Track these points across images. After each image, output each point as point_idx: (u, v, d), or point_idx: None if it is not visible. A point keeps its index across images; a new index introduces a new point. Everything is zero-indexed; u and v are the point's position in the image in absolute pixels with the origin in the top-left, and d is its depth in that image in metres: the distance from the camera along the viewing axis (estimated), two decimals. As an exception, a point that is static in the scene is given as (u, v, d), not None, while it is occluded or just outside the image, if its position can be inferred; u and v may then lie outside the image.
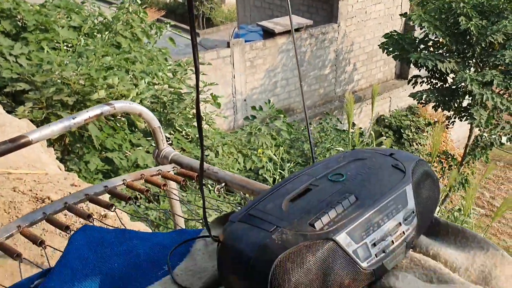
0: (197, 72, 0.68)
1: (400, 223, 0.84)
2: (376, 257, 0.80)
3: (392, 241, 0.83)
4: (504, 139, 8.50)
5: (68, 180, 2.40)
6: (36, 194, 2.20)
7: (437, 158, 8.76)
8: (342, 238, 0.77)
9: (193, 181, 1.35)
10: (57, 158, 3.50)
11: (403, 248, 0.85)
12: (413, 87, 9.39)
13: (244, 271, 0.76)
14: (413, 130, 11.10)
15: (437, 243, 0.91)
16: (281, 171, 6.12)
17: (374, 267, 0.80)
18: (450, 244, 0.91)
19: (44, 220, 1.11)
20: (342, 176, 0.91)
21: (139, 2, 4.93)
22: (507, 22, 7.36)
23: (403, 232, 0.85)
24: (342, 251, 0.77)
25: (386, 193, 0.85)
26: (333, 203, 0.82)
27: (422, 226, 0.90)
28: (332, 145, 7.38)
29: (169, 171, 1.35)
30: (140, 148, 4.26)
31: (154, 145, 4.29)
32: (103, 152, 4.10)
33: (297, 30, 9.94)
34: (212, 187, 1.41)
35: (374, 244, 0.80)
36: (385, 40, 9.08)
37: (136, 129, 4.34)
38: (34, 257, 1.69)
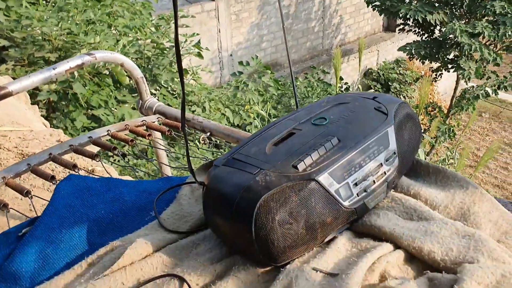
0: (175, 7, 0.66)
1: (381, 164, 0.86)
2: (358, 196, 0.82)
3: (374, 181, 0.84)
4: (489, 91, 8.55)
5: (54, 136, 2.39)
6: (22, 151, 2.19)
7: (424, 110, 8.81)
8: (324, 178, 0.78)
9: (179, 132, 1.35)
10: (42, 115, 3.46)
11: (384, 188, 0.87)
12: (399, 33, 9.31)
13: (229, 212, 0.77)
14: (401, 83, 11.10)
15: (418, 183, 0.93)
16: (268, 126, 6.12)
17: (356, 206, 0.82)
18: (431, 183, 0.94)
19: (30, 171, 1.11)
20: (325, 119, 0.91)
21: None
22: (497, -30, 7.27)
23: (384, 172, 0.86)
24: (324, 190, 0.78)
25: (368, 135, 0.86)
26: (316, 146, 0.83)
27: (403, 167, 0.92)
28: (318, 99, 7.38)
29: (153, 122, 1.34)
30: (126, 105, 4.22)
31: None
32: (89, 110, 4.06)
33: (283, -18, 9.69)
34: (198, 139, 1.41)
35: (356, 184, 0.82)
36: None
37: (121, 86, 4.28)
38: (23, 212, 1.70)
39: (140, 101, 1.45)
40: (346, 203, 0.80)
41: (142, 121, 1.33)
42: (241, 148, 0.88)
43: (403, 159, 0.91)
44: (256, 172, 0.79)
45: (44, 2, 4.22)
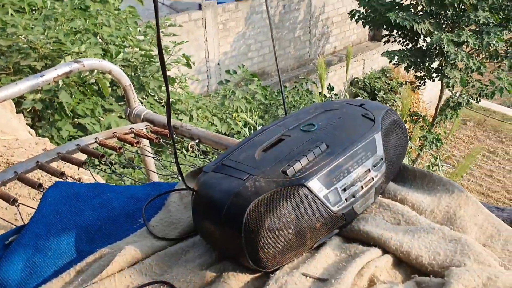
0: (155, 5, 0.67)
1: (369, 170, 0.87)
2: (346, 201, 0.83)
3: (362, 187, 0.85)
4: (472, 98, 8.66)
5: (40, 145, 2.36)
6: (7, 159, 2.16)
7: (409, 118, 8.92)
8: (313, 183, 0.79)
9: (167, 138, 1.35)
10: (27, 124, 3.43)
11: (372, 193, 0.88)
12: (385, 44, 9.44)
13: (218, 218, 0.77)
14: (386, 92, 11.22)
15: (404, 188, 0.95)
16: (256, 135, 6.13)
17: (344, 211, 0.83)
18: (418, 188, 0.95)
19: (16, 179, 1.09)
20: (314, 126, 0.92)
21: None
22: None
23: (372, 178, 0.87)
24: (313, 196, 0.79)
25: (356, 141, 0.87)
26: (305, 152, 0.83)
27: (390, 173, 0.93)
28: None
29: (142, 129, 1.34)
30: (113, 113, 4.20)
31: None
32: (75, 118, 4.03)
33: (270, -9, 9.76)
34: (185, 147, 1.41)
35: (344, 190, 0.83)
36: (355, 3, 9.06)
37: (105, 95, 4.25)
38: (9, 221, 1.68)
39: (128, 109, 1.45)
40: (335, 209, 0.81)
41: (130, 128, 1.33)
42: (231, 154, 0.88)
43: (390, 165, 0.92)
44: (246, 178, 0.79)
45: (30, 10, 4.20)
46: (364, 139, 0.88)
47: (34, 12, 4.36)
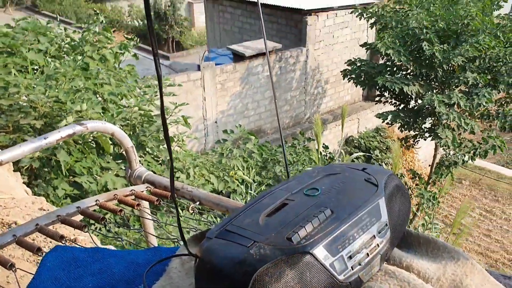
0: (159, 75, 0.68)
1: (374, 236, 0.86)
2: (352, 269, 0.81)
3: (367, 254, 0.84)
4: (466, 157, 8.72)
5: (36, 204, 2.34)
6: (3, 219, 2.14)
7: (403, 176, 8.95)
8: (319, 251, 0.78)
9: (167, 200, 1.34)
10: (23, 182, 3.41)
11: (378, 261, 0.86)
12: (375, 103, 9.60)
13: (223, 286, 0.75)
14: (381, 151, 11.31)
15: (409, 255, 0.93)
16: (251, 192, 6.13)
17: (351, 280, 0.81)
18: (423, 255, 0.94)
19: (15, 243, 1.07)
20: (317, 190, 0.92)
21: (105, 23, 4.94)
22: (468, 46, 7.68)
23: (378, 244, 0.86)
24: (319, 264, 0.77)
25: (360, 207, 0.87)
26: (310, 217, 0.83)
27: (395, 239, 0.92)
28: (303, 167, 7.46)
29: (142, 191, 1.33)
30: (110, 171, 4.19)
31: (123, 168, 4.23)
32: (72, 177, 4.01)
33: (266, 53, 10.06)
34: (186, 208, 1.40)
35: (350, 257, 0.82)
36: (347, 67, 9.35)
37: (105, 153, 4.27)
38: (2, 284, 1.63)
39: (129, 170, 1.45)
40: (341, 277, 0.79)
41: (131, 190, 1.32)
42: (234, 219, 0.87)
43: (395, 231, 0.91)
44: (250, 244, 0.78)
45: (32, 71, 4.29)
46: (369, 205, 0.88)
47: (36, 71, 4.46)
